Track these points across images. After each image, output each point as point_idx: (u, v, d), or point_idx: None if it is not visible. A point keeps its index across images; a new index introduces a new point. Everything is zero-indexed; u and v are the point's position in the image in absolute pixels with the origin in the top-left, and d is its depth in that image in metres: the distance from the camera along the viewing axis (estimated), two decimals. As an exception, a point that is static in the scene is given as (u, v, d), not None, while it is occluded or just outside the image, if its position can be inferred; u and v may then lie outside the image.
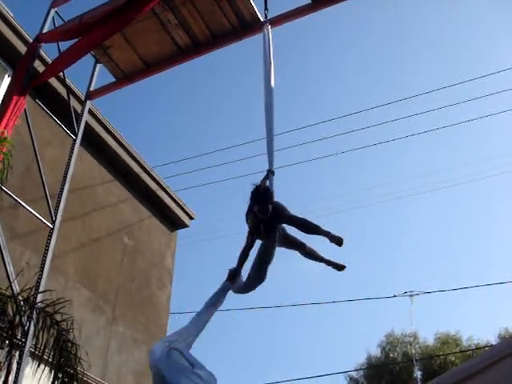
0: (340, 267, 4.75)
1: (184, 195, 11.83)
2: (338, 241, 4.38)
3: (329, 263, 4.80)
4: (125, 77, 7.86)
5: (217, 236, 29.31)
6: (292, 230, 4.77)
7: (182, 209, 11.23)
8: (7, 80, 7.58)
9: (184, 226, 11.47)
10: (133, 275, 9.65)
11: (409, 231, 37.21)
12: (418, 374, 21.24)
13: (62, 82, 7.83)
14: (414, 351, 21.54)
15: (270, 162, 4.93)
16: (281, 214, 4.53)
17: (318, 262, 4.83)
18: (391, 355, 22.53)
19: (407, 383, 20.36)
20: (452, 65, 35.12)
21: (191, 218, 11.53)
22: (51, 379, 5.20)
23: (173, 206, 10.99)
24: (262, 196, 4.43)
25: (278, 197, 4.68)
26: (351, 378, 23.32)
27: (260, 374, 32.45)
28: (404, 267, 37.49)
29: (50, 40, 7.20)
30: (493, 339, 20.67)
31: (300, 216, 4.58)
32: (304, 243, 4.79)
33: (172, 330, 10.45)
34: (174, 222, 11.25)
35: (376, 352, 23.07)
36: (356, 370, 22.84)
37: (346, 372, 22.34)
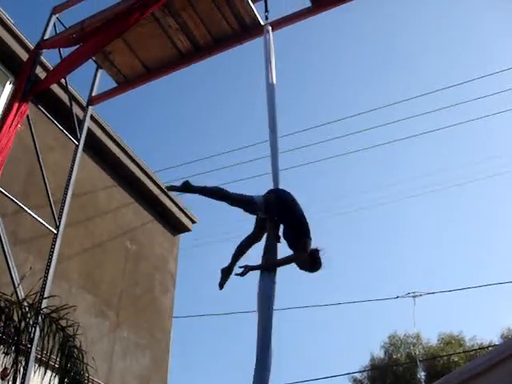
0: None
1: (186, 199, 11.83)
2: None
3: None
4: (126, 82, 7.88)
5: (219, 240, 29.32)
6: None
7: (184, 213, 11.24)
8: (9, 87, 7.61)
9: (186, 230, 11.48)
10: (136, 280, 9.65)
11: (411, 232, 37.20)
12: (421, 374, 21.23)
13: (64, 88, 7.85)
14: (417, 352, 21.54)
15: (275, 182, 4.72)
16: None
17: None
18: (394, 356, 22.52)
19: (411, 384, 20.33)
20: (451, 65, 35.16)
21: (193, 222, 11.54)
22: (57, 385, 5.21)
23: (175, 210, 11.00)
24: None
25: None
26: (355, 380, 23.29)
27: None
28: (406, 268, 37.50)
29: (51, 46, 7.22)
30: (496, 339, 20.70)
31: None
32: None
33: (176, 334, 10.47)
34: (176, 227, 11.26)
35: (379, 353, 23.09)
36: (360, 372, 22.83)
37: (349, 374, 22.33)
